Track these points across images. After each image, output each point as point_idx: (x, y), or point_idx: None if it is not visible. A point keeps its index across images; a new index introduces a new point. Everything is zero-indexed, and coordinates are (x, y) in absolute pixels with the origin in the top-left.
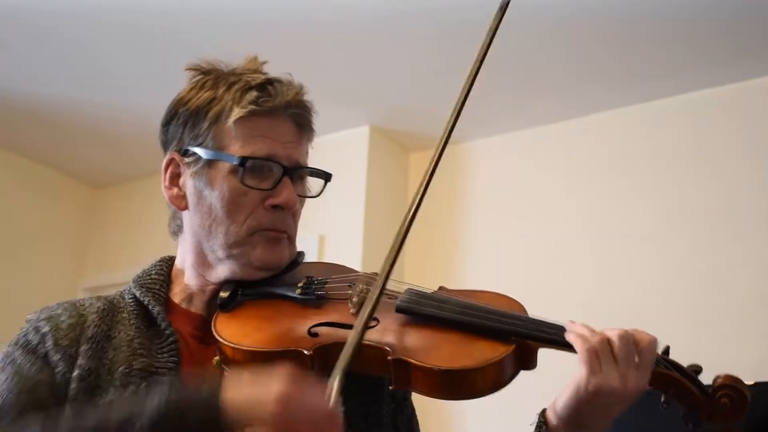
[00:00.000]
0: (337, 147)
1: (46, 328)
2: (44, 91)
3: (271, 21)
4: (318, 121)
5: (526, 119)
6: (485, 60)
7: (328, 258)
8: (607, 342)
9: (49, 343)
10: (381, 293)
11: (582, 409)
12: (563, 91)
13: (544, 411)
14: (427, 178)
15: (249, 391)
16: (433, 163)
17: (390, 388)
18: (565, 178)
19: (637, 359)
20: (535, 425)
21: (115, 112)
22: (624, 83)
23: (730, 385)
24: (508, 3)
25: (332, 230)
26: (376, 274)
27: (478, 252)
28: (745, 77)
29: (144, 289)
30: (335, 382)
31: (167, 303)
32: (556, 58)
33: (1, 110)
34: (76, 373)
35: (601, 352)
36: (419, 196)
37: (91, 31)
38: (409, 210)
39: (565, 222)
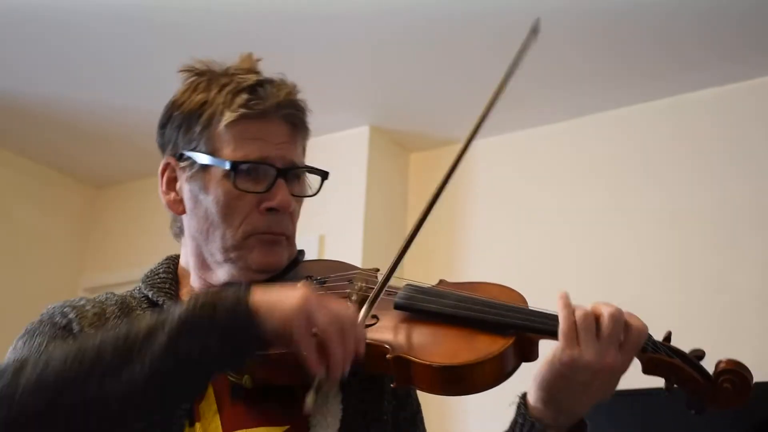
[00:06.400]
0: (337, 147)
1: (72, 315)
2: (44, 91)
3: (270, 21)
4: (318, 122)
5: (525, 120)
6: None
7: (329, 258)
8: (593, 317)
9: (76, 327)
10: (382, 289)
11: (557, 383)
12: (562, 92)
13: (525, 393)
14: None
15: (276, 292)
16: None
17: (392, 386)
18: (564, 178)
19: (622, 339)
20: (515, 405)
21: (115, 112)
22: (622, 84)
23: (732, 369)
24: (538, 25)
25: (332, 230)
26: (376, 269)
27: (477, 251)
28: (738, 79)
29: (155, 289)
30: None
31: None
32: (554, 59)
33: (1, 110)
34: None
35: (583, 326)
36: (429, 207)
37: (92, 31)
38: (418, 219)
39: (565, 222)
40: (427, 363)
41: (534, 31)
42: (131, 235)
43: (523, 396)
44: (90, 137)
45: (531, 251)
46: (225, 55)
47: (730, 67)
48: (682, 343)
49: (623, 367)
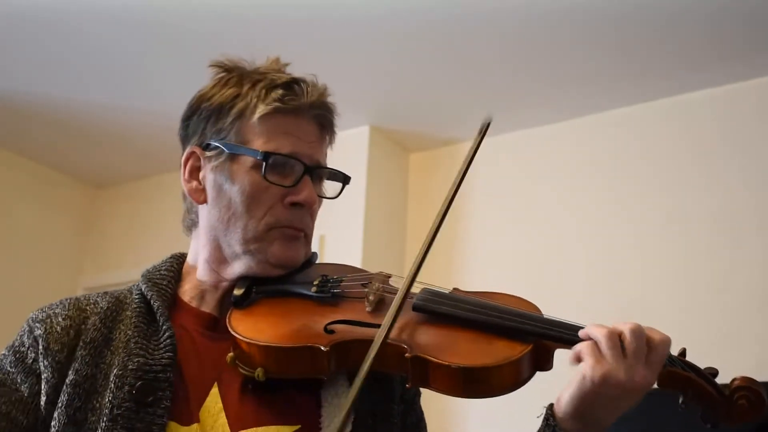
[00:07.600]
0: (337, 147)
1: (39, 331)
2: (44, 91)
3: (269, 21)
4: None
5: (526, 119)
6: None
7: (328, 258)
8: (617, 335)
9: (40, 347)
10: (406, 296)
11: (587, 400)
12: (564, 92)
13: (551, 404)
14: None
15: None
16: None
17: (407, 386)
18: (566, 178)
19: (647, 355)
20: (542, 417)
21: (115, 112)
22: (622, 84)
23: (747, 386)
24: (488, 124)
25: (332, 230)
26: (388, 275)
27: (477, 252)
28: (740, 79)
29: (150, 284)
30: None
31: (175, 300)
32: (553, 60)
33: (1, 110)
34: (70, 378)
35: (606, 343)
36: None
37: (92, 32)
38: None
39: (565, 222)
40: (446, 363)
41: (484, 128)
42: (131, 235)
43: (550, 407)
44: (90, 137)
45: (532, 252)
46: (222, 55)
47: (733, 66)
48: (685, 341)
49: (651, 382)
